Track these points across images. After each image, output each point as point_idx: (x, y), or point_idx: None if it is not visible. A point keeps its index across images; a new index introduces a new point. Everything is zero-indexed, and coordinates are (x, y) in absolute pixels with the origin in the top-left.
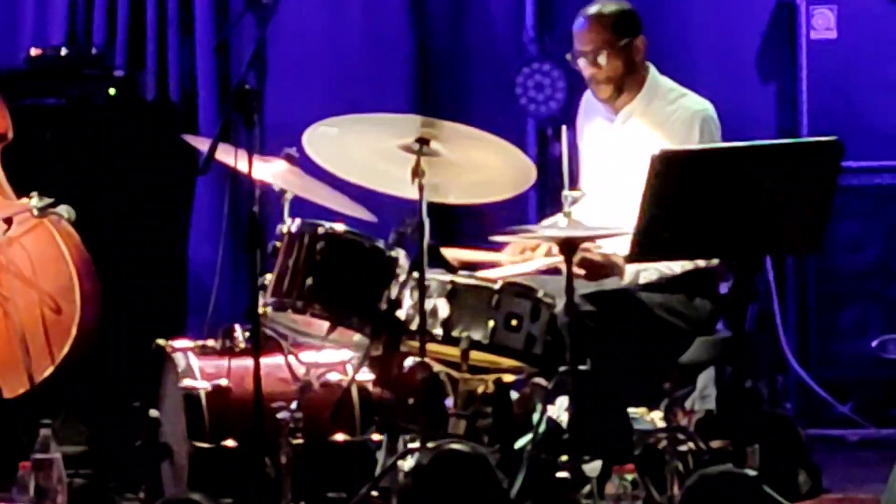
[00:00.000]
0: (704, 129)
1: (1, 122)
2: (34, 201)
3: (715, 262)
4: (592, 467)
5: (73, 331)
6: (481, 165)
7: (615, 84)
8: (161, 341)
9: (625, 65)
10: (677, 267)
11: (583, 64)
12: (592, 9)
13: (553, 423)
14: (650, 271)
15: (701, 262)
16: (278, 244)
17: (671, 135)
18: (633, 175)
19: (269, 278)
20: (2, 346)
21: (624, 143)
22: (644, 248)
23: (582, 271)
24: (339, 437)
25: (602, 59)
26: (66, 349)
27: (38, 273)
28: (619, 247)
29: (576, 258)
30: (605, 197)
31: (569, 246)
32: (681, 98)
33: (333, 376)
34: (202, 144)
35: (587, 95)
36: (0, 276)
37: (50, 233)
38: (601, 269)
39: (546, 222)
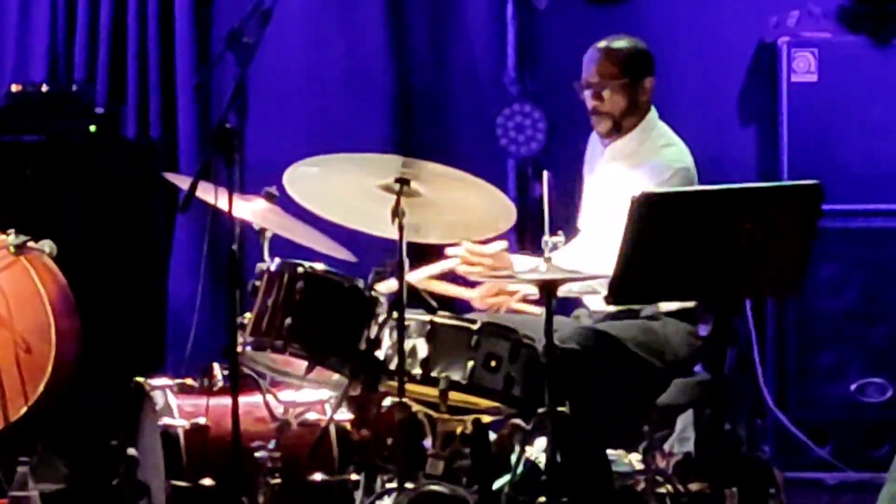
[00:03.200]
0: (675, 183)
1: None
2: (11, 238)
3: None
4: None
5: (49, 369)
6: (462, 206)
7: (614, 120)
8: (139, 379)
9: (628, 102)
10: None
11: (587, 95)
12: (604, 42)
13: (531, 465)
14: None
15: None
16: (258, 283)
17: (641, 178)
18: (609, 214)
19: (248, 317)
20: None
21: (605, 182)
22: (624, 290)
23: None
24: (317, 476)
25: (606, 94)
26: (41, 388)
27: (14, 312)
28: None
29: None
30: (588, 234)
31: (548, 289)
32: (665, 148)
33: (312, 416)
34: (182, 182)
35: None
36: None
37: (26, 270)
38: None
39: (520, 258)
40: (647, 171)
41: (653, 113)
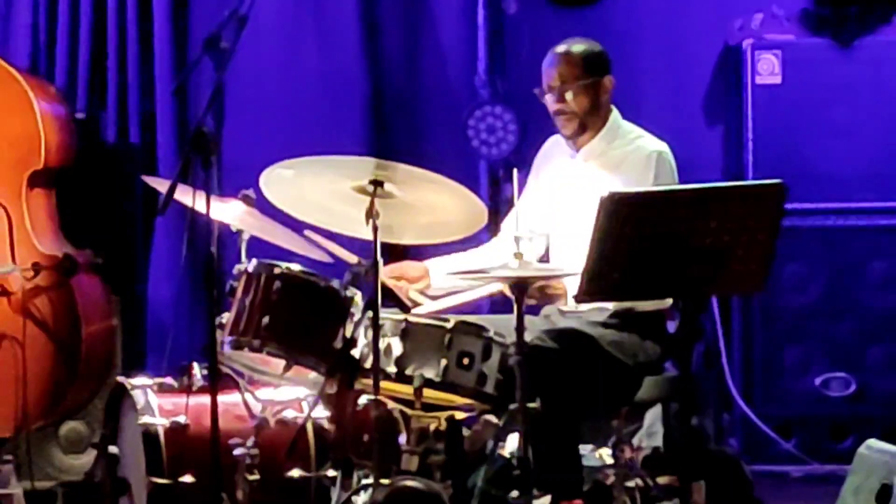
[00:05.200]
0: (660, 170)
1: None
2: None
3: (666, 303)
4: (542, 502)
5: (69, 394)
6: (434, 207)
7: (580, 120)
8: (120, 378)
9: (591, 102)
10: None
11: (550, 99)
12: (562, 46)
13: (504, 460)
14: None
15: (649, 304)
16: (235, 284)
17: (628, 174)
18: (587, 213)
19: (226, 317)
20: (1, 385)
21: (581, 182)
22: (592, 288)
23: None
24: (295, 473)
25: (569, 96)
26: (58, 409)
27: (54, 329)
28: (570, 285)
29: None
30: (560, 234)
31: (519, 286)
32: (638, 139)
33: (289, 413)
34: (161, 185)
35: (553, 139)
36: (12, 320)
37: (72, 294)
38: (545, 295)
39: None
40: (630, 168)
41: (615, 112)
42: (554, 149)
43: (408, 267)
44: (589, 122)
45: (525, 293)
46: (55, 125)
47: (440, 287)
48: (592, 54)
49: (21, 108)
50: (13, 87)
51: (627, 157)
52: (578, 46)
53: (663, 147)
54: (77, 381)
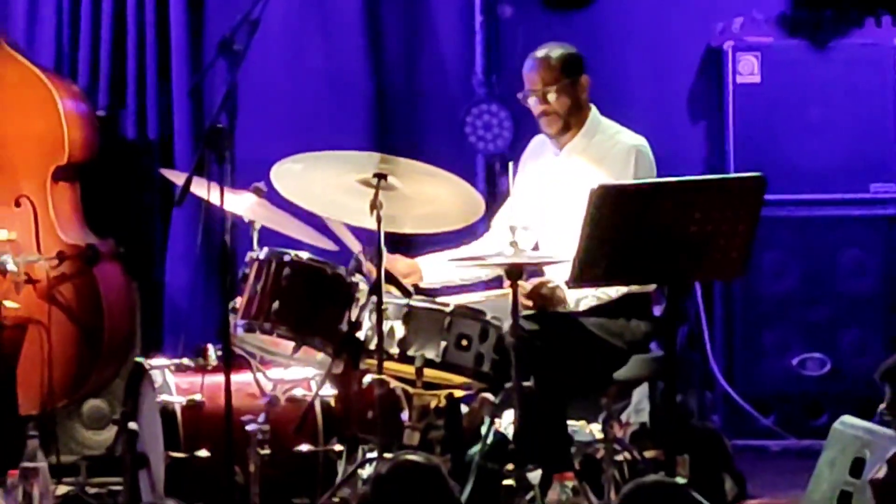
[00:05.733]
0: (640, 163)
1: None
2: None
3: (650, 287)
4: (535, 475)
5: (93, 375)
6: (434, 198)
7: (563, 119)
8: (139, 359)
9: (572, 101)
10: (613, 292)
11: (533, 102)
12: (541, 52)
13: (500, 435)
14: (588, 298)
15: (634, 288)
16: (248, 270)
17: (610, 168)
18: (575, 206)
19: (239, 302)
20: (29, 367)
21: (567, 177)
22: (583, 274)
23: (529, 302)
24: (304, 447)
25: (551, 97)
26: (82, 389)
27: (78, 314)
28: (559, 273)
29: (522, 290)
30: (549, 226)
31: (515, 273)
32: (618, 134)
33: (298, 392)
34: (178, 178)
35: (537, 138)
36: (38, 306)
37: (94, 281)
38: (547, 301)
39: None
40: (612, 162)
41: (594, 109)
42: (539, 148)
43: (398, 262)
44: (571, 121)
45: (520, 279)
46: (78, 122)
47: (431, 282)
48: (570, 57)
49: (45, 107)
50: (38, 88)
51: (609, 152)
52: (556, 51)
53: (642, 141)
54: (99, 363)
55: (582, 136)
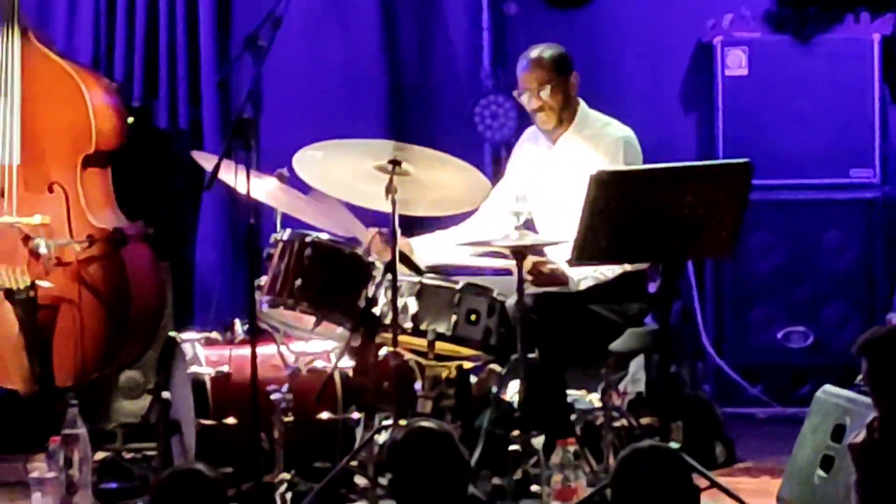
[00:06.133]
0: (628, 152)
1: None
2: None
3: (643, 266)
4: (539, 441)
5: (122, 349)
6: (444, 183)
7: (557, 114)
8: (172, 333)
9: (564, 97)
10: (610, 273)
11: (527, 99)
12: (534, 52)
13: (506, 404)
14: (588, 279)
15: (628, 267)
16: (272, 251)
17: (601, 157)
18: (571, 192)
19: (264, 280)
20: (62, 341)
21: (562, 166)
22: (583, 253)
23: (530, 278)
24: (324, 415)
25: (545, 94)
26: (112, 362)
27: (105, 294)
28: (560, 253)
29: (527, 266)
30: (548, 212)
31: (519, 253)
32: (607, 126)
33: (319, 363)
34: (208, 162)
35: (530, 131)
36: (70, 286)
37: (122, 263)
38: (549, 279)
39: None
40: (603, 152)
41: (582, 103)
42: (532, 139)
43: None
44: (564, 115)
45: (524, 258)
46: (105, 114)
47: (425, 262)
48: (560, 56)
49: (74, 100)
50: (67, 81)
51: (600, 143)
52: (547, 51)
53: (629, 132)
54: (128, 338)
55: (574, 129)
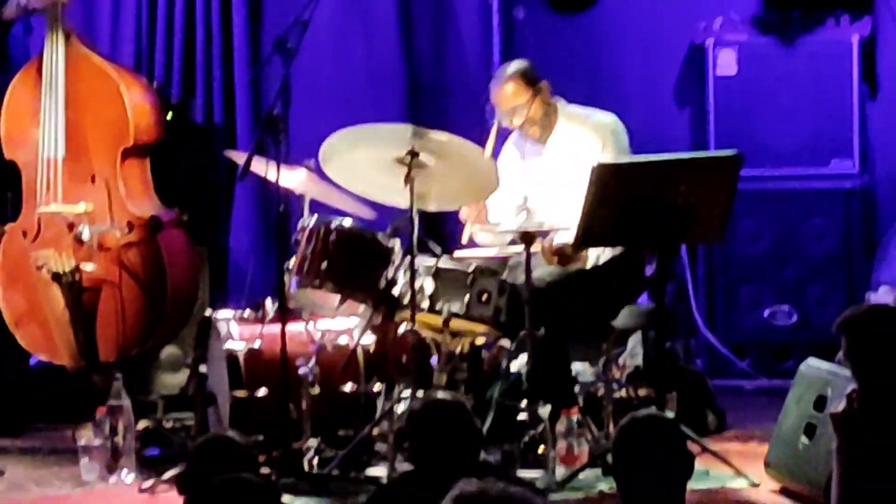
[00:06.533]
0: (616, 135)
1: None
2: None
3: None
4: (545, 410)
5: (161, 328)
6: (458, 171)
7: (540, 123)
8: (208, 312)
9: (542, 105)
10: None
11: (508, 119)
12: (504, 71)
13: (515, 376)
14: (606, 253)
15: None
16: (300, 236)
17: (592, 145)
18: (570, 184)
19: (292, 263)
20: (105, 320)
21: (556, 161)
22: (587, 238)
23: (555, 258)
24: (348, 387)
25: (524, 109)
26: (152, 340)
27: (143, 277)
28: (564, 238)
29: (547, 245)
30: (550, 204)
31: (527, 237)
32: (591, 117)
33: (343, 339)
34: (240, 158)
35: (513, 137)
36: (111, 269)
37: (158, 248)
38: (570, 257)
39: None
40: (593, 141)
41: (561, 101)
42: (517, 144)
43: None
44: (547, 122)
45: (532, 243)
46: (143, 110)
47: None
48: (526, 69)
49: (113, 98)
50: (107, 81)
51: (588, 134)
52: (513, 67)
53: (613, 118)
54: (165, 317)
55: (560, 128)
